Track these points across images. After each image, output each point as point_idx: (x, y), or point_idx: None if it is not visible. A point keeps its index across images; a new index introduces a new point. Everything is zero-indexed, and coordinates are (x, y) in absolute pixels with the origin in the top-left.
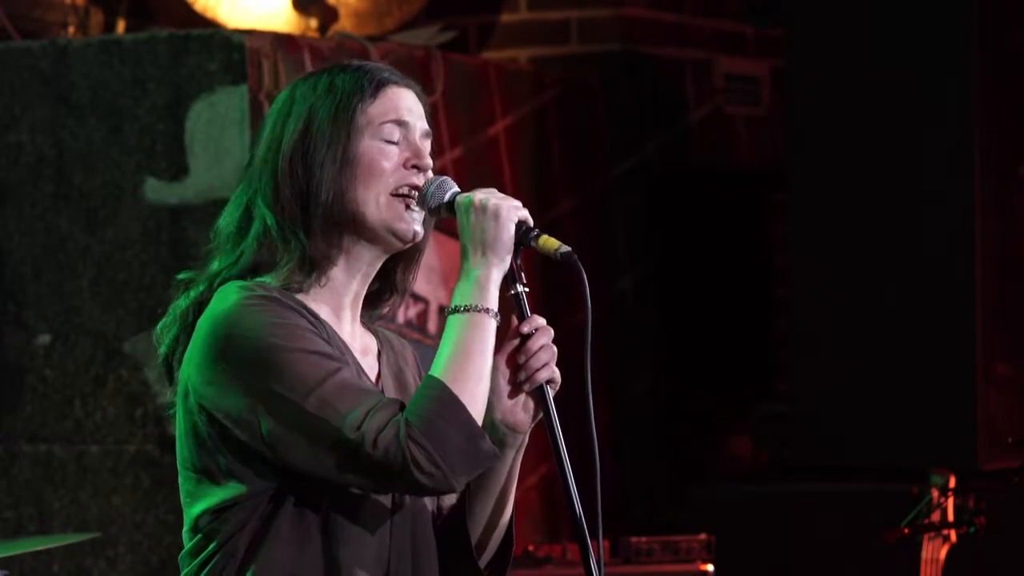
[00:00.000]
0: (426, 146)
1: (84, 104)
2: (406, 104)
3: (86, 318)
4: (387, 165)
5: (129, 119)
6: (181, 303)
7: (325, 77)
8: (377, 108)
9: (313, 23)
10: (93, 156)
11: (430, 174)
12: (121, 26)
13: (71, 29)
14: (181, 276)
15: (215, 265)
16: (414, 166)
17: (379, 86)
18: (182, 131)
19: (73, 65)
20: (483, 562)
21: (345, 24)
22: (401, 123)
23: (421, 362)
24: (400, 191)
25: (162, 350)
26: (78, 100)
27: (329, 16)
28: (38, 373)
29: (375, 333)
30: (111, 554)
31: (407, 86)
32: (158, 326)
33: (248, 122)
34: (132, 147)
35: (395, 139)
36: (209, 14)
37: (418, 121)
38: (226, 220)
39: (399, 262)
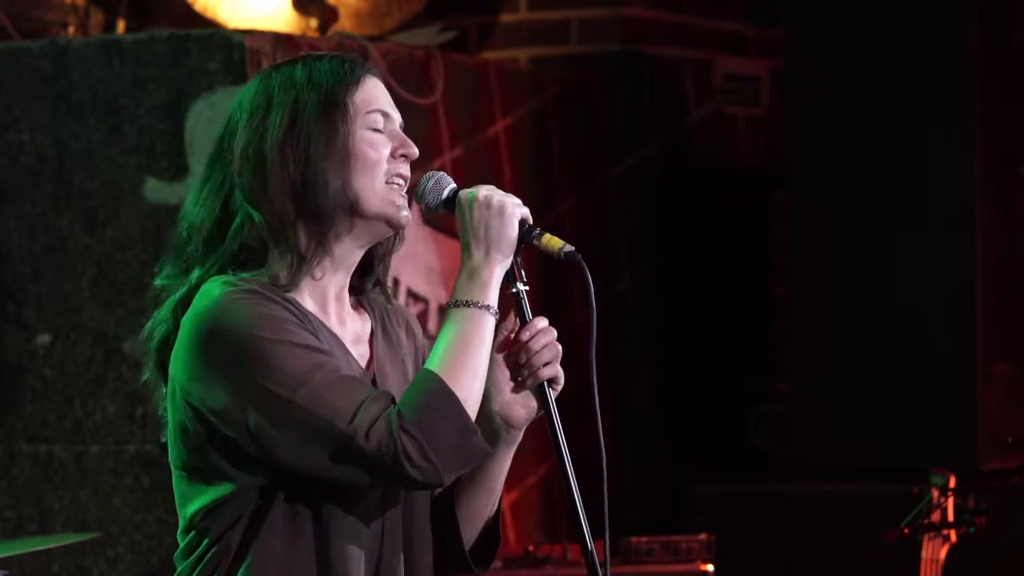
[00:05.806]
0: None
1: (84, 104)
2: (383, 94)
3: (86, 318)
4: (379, 155)
5: (129, 119)
6: (164, 312)
7: (301, 67)
8: (361, 98)
9: (313, 23)
10: (93, 156)
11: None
12: (121, 26)
13: (71, 29)
14: (158, 283)
15: (196, 270)
16: (402, 155)
17: (358, 76)
18: (182, 131)
19: (73, 65)
20: (470, 553)
21: (345, 24)
22: (384, 113)
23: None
24: (392, 180)
25: (152, 344)
26: (78, 100)
27: (329, 16)
28: (38, 373)
29: (371, 311)
30: (111, 554)
31: (378, 76)
32: (145, 328)
33: None
34: (132, 147)
35: (380, 128)
36: (209, 14)
37: (395, 111)
38: (201, 217)
39: (380, 247)
